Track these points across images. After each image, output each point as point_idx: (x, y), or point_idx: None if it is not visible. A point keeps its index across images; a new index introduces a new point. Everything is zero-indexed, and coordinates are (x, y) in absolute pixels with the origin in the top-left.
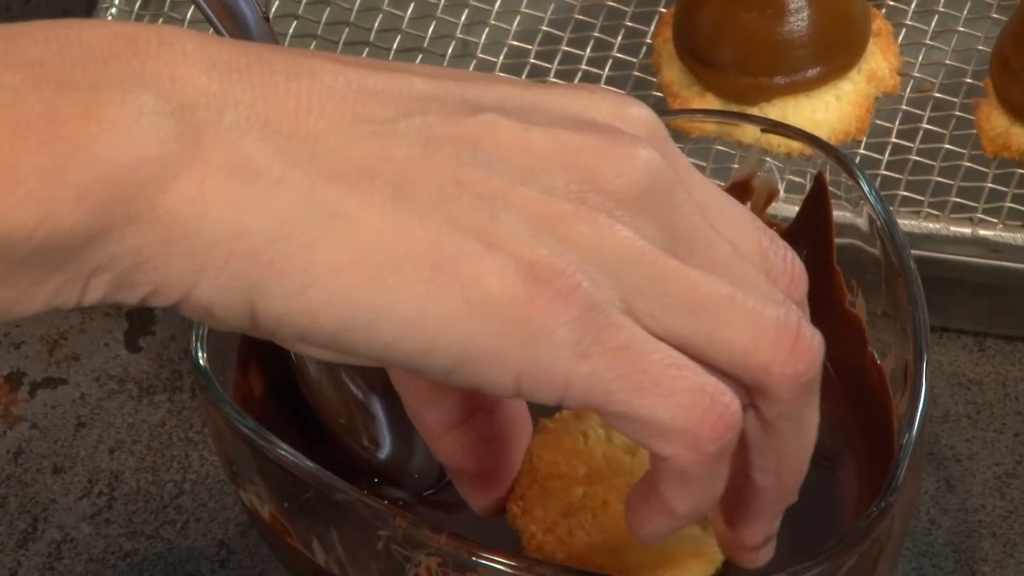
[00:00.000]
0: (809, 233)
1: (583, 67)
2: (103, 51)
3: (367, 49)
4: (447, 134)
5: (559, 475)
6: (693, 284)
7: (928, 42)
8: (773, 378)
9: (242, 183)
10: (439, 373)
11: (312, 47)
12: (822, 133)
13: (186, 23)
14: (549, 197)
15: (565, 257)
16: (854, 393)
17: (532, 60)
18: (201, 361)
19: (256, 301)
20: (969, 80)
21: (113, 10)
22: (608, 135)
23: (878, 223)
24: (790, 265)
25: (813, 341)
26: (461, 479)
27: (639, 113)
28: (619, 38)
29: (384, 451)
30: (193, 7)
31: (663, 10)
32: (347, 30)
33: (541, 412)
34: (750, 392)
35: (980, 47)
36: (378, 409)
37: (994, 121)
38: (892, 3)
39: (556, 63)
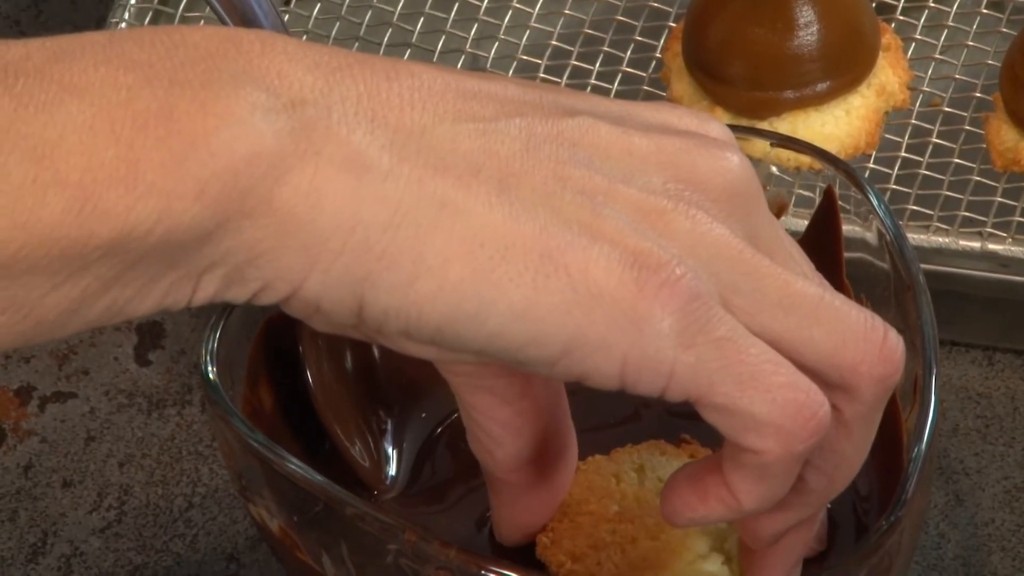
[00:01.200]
0: (818, 247)
1: (593, 81)
2: (210, 51)
3: None
4: (547, 133)
5: (589, 512)
6: (786, 282)
7: (938, 56)
8: (862, 378)
9: (353, 176)
10: (544, 364)
11: None
12: (832, 147)
13: None
14: (648, 194)
15: (668, 250)
16: None
17: (542, 75)
18: (211, 375)
19: (365, 294)
20: (979, 94)
21: (127, 15)
22: (701, 139)
23: (887, 237)
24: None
25: (899, 345)
26: (510, 510)
27: (719, 126)
28: (628, 52)
29: (391, 466)
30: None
31: (672, 24)
32: (356, 44)
33: None
34: (831, 392)
35: (990, 61)
36: (388, 424)
37: (1004, 135)
38: (901, 17)
39: (566, 77)
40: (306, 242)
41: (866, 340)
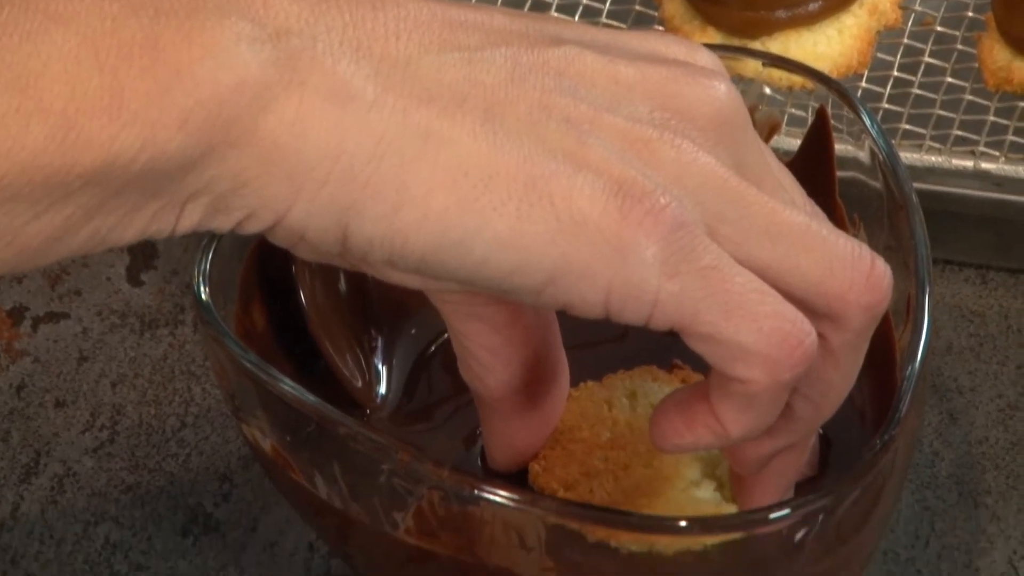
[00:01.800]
0: (811, 167)
1: (584, 2)
2: None
3: None
4: (532, 62)
5: (581, 439)
6: (773, 211)
7: None
8: (849, 307)
9: (338, 106)
10: (529, 293)
11: None
12: (824, 67)
13: None
14: (634, 123)
15: (653, 179)
16: None
17: None
18: (203, 295)
19: (350, 223)
20: (971, 14)
21: None
22: (688, 68)
23: (880, 157)
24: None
25: (887, 273)
26: (502, 437)
27: (708, 55)
28: None
29: (382, 385)
30: None
31: None
32: None
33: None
34: (818, 320)
35: None
36: (379, 343)
37: (996, 55)
38: None
39: None
40: (290, 171)
41: (853, 268)
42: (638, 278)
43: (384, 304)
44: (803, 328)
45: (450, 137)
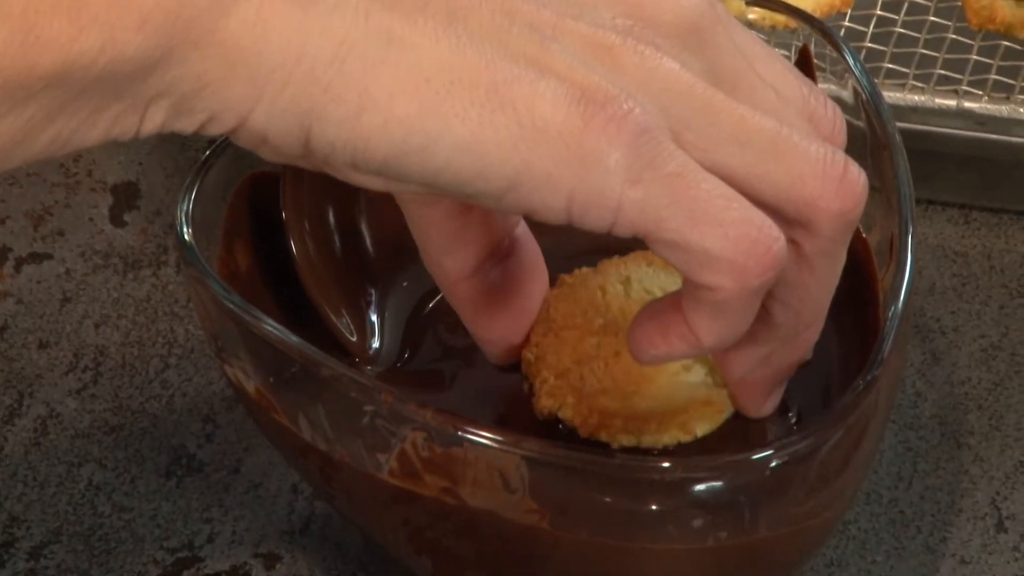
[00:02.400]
0: None
1: None
2: None
3: None
4: None
5: (575, 326)
6: (741, 117)
7: None
8: (820, 213)
9: (300, 8)
10: (491, 197)
11: None
12: (806, 6)
13: None
14: (597, 29)
15: (616, 84)
16: None
17: None
18: (186, 236)
19: (312, 126)
20: None
21: None
22: None
23: (863, 96)
24: (831, 113)
25: (860, 179)
26: (477, 326)
27: None
28: None
29: (375, 338)
30: None
31: None
32: None
33: (560, 268)
34: (790, 227)
35: None
36: (374, 297)
37: None
38: None
39: None
40: (252, 73)
41: (825, 175)
42: (600, 185)
43: (378, 255)
44: (770, 234)
45: (412, 42)
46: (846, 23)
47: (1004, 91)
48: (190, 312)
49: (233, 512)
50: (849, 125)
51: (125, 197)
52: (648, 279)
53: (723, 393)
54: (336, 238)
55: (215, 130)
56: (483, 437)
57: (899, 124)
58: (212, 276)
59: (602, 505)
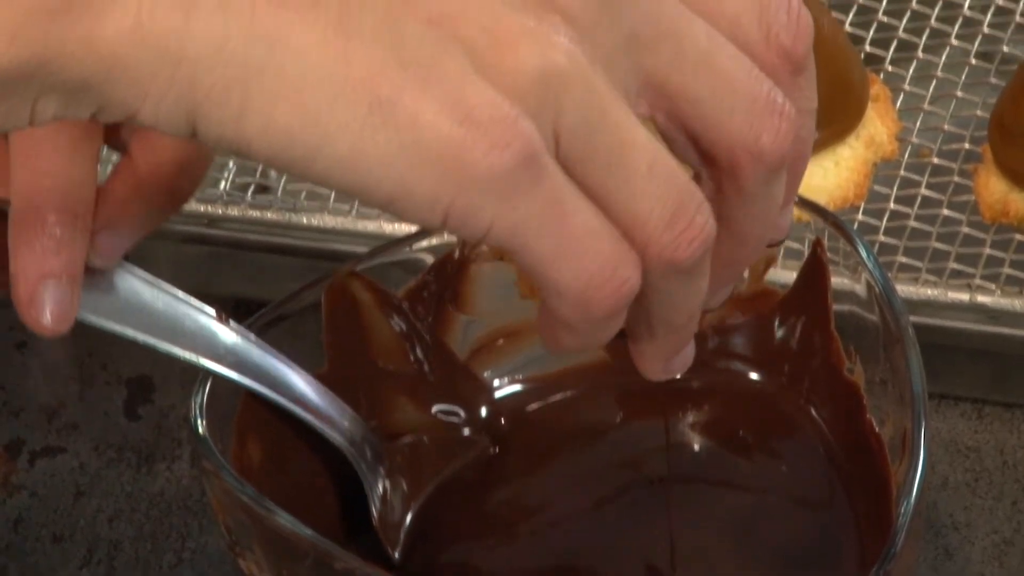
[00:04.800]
0: (807, 299)
1: None
2: None
3: None
4: None
5: None
6: (622, 142)
7: (926, 107)
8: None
9: (181, 11)
10: (373, 205)
11: None
12: (820, 199)
13: None
14: (501, 18)
15: (507, 99)
16: (852, 460)
17: None
18: (200, 429)
19: (197, 123)
20: (967, 146)
21: None
22: None
23: (876, 289)
24: (794, 17)
25: (786, 135)
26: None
27: None
28: None
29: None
30: None
31: None
32: None
33: None
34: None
35: (978, 112)
36: (380, 471)
37: (992, 187)
38: (890, 68)
39: None
40: (133, 78)
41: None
42: (476, 206)
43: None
44: (622, 274)
45: (297, 46)
46: (859, 216)
47: (1017, 285)
48: (203, 506)
49: None
50: (862, 319)
51: (140, 391)
52: None
53: None
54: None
55: (107, 120)
56: None
57: (912, 318)
58: (226, 469)
59: None
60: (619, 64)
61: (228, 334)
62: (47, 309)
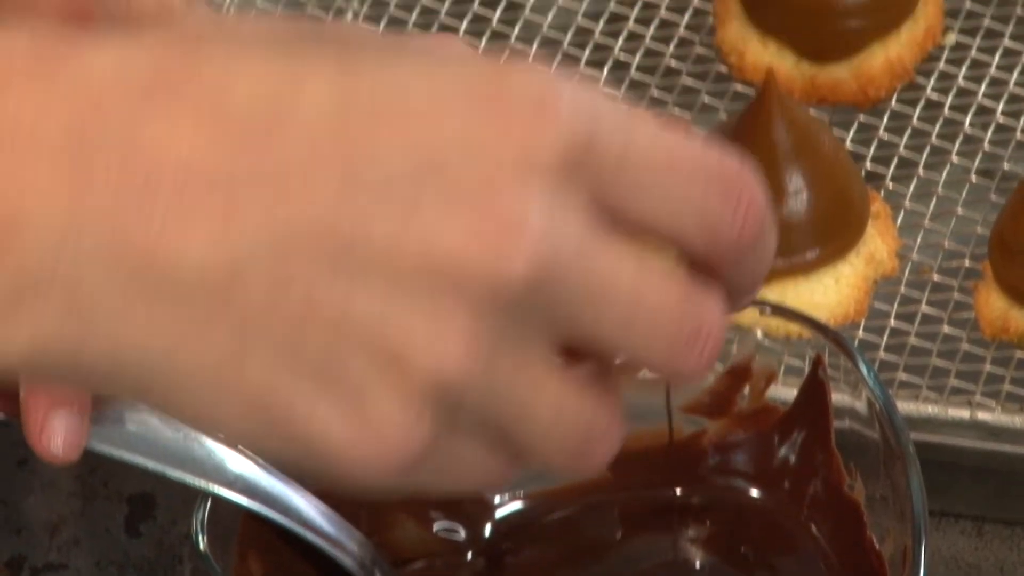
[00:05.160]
0: (808, 416)
1: None
2: None
3: None
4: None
5: None
6: (521, 416)
7: (927, 224)
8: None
9: (78, 320)
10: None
11: None
12: (821, 316)
13: None
14: (397, 324)
15: (400, 411)
16: None
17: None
18: (202, 546)
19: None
20: (968, 263)
21: None
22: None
23: (877, 406)
24: (744, 205)
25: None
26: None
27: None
28: None
29: None
30: None
31: None
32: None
33: None
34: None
35: (979, 229)
36: None
37: (993, 304)
38: (891, 185)
39: None
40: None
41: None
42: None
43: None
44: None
45: (190, 368)
46: (860, 333)
47: (1017, 402)
48: None
49: None
50: (863, 436)
51: (141, 507)
52: None
53: None
54: None
55: None
56: None
57: (912, 435)
58: None
59: None
60: (531, 323)
61: (236, 459)
62: (59, 438)
